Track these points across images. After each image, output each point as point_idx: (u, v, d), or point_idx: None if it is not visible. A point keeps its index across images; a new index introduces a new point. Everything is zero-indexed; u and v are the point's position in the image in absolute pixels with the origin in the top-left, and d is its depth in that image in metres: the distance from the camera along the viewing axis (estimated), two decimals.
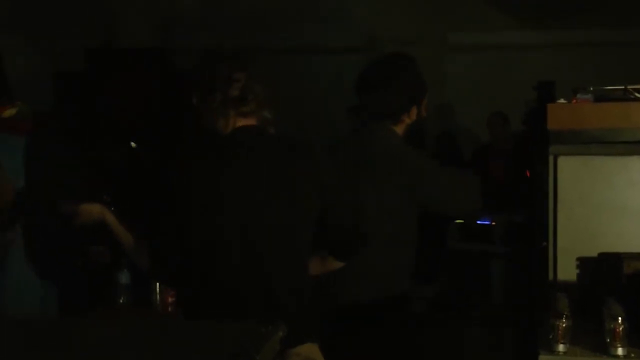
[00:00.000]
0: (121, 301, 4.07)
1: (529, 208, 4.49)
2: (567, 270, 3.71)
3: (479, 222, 6.02)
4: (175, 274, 3.20)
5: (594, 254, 3.69)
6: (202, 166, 3.08)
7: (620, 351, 3.02)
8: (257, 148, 3.12)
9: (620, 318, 3.03)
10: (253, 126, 3.14)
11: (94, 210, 3.18)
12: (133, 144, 4.40)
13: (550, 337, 3.09)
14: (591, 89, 3.81)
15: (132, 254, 3.20)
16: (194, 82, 3.18)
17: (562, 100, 3.85)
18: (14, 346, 2.49)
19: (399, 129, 4.08)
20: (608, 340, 3.05)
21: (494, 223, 5.96)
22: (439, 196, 4.03)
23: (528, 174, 4.80)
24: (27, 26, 10.38)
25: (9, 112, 4.28)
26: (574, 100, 3.80)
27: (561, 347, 3.06)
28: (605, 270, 3.58)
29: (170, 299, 3.95)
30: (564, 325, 3.07)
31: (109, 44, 9.93)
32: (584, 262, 3.69)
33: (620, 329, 3.02)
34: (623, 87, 3.78)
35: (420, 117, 4.17)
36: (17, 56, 10.05)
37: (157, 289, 3.96)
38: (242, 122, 3.12)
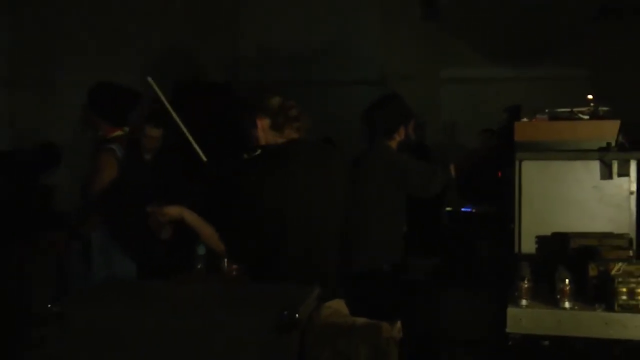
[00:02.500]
0: (198, 267, 4.05)
1: (500, 200, 4.48)
2: (528, 246, 3.69)
3: (463, 209, 6.07)
4: (246, 256, 3.20)
5: (549, 233, 3.67)
6: (269, 168, 3.06)
7: (567, 305, 3.01)
8: (308, 154, 3.12)
9: (567, 280, 3.03)
10: (301, 138, 3.15)
11: (174, 210, 3.17)
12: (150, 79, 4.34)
13: (516, 294, 3.08)
14: (546, 110, 3.83)
15: (207, 240, 3.19)
16: (261, 107, 3.15)
17: (525, 119, 3.85)
18: (129, 300, 2.51)
19: (393, 143, 4.33)
20: (558, 297, 3.05)
21: (474, 210, 6.00)
22: (417, 184, 4.19)
23: (500, 174, 4.78)
24: (131, 70, 10.42)
25: (117, 133, 4.33)
26: (534, 119, 3.81)
27: (524, 302, 3.06)
28: (556, 245, 3.56)
29: (234, 267, 3.89)
30: (526, 286, 3.08)
31: (195, 80, 9.95)
32: (541, 240, 3.67)
33: (567, 288, 3.02)
34: (570, 109, 3.78)
35: (409, 135, 4.39)
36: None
37: (225, 260, 3.90)
38: (293, 135, 3.13)
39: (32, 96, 8.50)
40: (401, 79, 6.64)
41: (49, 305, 2.43)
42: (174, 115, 3.96)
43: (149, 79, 4.06)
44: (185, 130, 3.88)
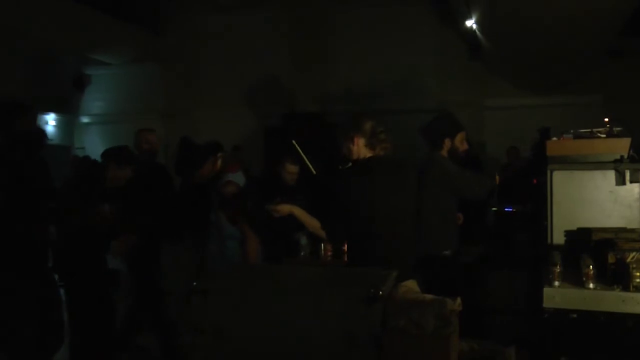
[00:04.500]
0: (302, 254, 4.05)
1: (535, 201, 4.39)
2: (558, 238, 3.62)
3: (506, 209, 5.93)
4: (341, 241, 3.25)
5: (574, 228, 3.60)
6: (356, 176, 3.09)
7: (591, 285, 2.96)
8: (387, 166, 3.13)
9: (590, 266, 2.98)
10: (385, 155, 3.16)
11: (286, 207, 3.23)
12: (294, 142, 4.41)
13: (550, 277, 3.03)
14: (571, 131, 3.75)
15: (311, 229, 3.22)
16: (359, 128, 3.16)
17: (554, 139, 3.78)
18: (256, 278, 2.56)
19: (443, 153, 4.17)
20: (584, 279, 2.99)
21: (514, 210, 5.85)
22: (463, 188, 4.07)
23: (535, 181, 4.68)
24: (247, 101, 10.63)
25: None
26: (562, 138, 3.74)
27: (556, 283, 3.01)
28: (581, 238, 3.48)
29: (329, 253, 3.85)
30: (557, 270, 3.02)
31: (293, 110, 10.06)
32: (568, 233, 3.59)
33: (591, 272, 2.97)
34: (590, 130, 3.71)
35: (455, 147, 4.22)
36: (240, 121, 10.41)
37: (322, 247, 3.86)
38: (379, 152, 3.14)
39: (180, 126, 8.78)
40: (453, 107, 6.54)
41: (194, 283, 2.52)
42: (301, 152, 4.06)
43: (294, 141, 4.24)
44: (303, 156, 3.97)
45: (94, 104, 12.21)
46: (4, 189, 3.51)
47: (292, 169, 4.65)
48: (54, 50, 10.99)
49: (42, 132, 4.22)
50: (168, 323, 4.59)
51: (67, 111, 11.96)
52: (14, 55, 9.89)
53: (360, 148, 3.15)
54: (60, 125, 11.88)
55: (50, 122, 11.66)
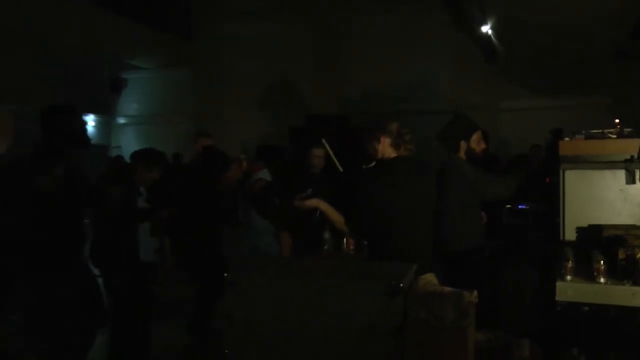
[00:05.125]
0: (325, 248, 4.00)
1: (549, 199, 4.32)
2: (570, 235, 3.58)
3: (519, 206, 5.83)
4: (363, 235, 3.24)
5: (586, 225, 3.56)
6: (379, 175, 3.08)
7: (602, 280, 2.94)
8: (408, 165, 3.11)
9: (601, 261, 2.96)
10: (408, 155, 3.14)
11: (312, 202, 3.22)
12: (324, 140, 4.41)
13: (562, 272, 3.02)
14: (583, 132, 3.71)
15: (335, 223, 3.22)
16: (385, 129, 3.15)
17: (567, 139, 3.73)
18: (281, 270, 2.57)
19: (461, 155, 4.06)
20: (595, 274, 2.97)
21: (528, 207, 5.75)
22: (484, 191, 3.96)
23: (548, 180, 4.61)
24: (273, 103, 10.67)
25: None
26: (574, 139, 3.70)
27: (569, 277, 2.99)
28: (592, 234, 3.44)
29: (351, 247, 3.86)
30: (570, 265, 3.01)
31: (315, 112, 10.04)
32: (580, 230, 3.55)
33: (602, 267, 2.95)
34: (601, 130, 3.67)
35: (472, 148, 4.10)
36: (265, 121, 10.46)
37: (345, 242, 3.86)
38: (403, 153, 3.13)
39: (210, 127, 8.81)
40: (469, 109, 6.48)
41: (225, 274, 2.54)
42: (329, 150, 4.05)
43: (323, 140, 4.22)
44: (331, 153, 3.98)
45: (130, 105, 12.41)
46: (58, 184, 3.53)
47: (318, 152, 4.74)
48: (94, 56, 11.19)
49: (86, 133, 4.25)
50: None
51: (105, 112, 12.18)
52: (57, 62, 10.07)
53: (385, 147, 3.13)
54: (98, 125, 12.12)
55: (89, 122, 11.89)
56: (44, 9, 8.34)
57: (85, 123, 3.82)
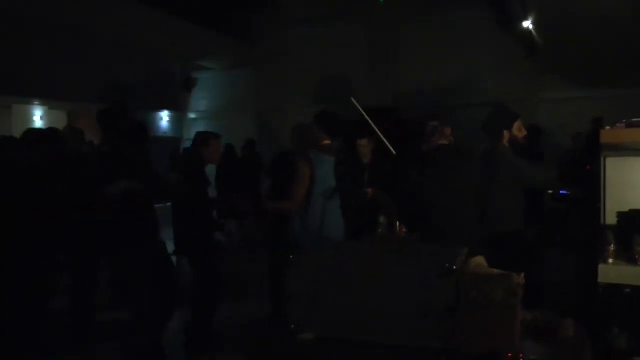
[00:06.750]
0: (379, 230, 3.86)
1: (590, 185, 4.15)
2: (611, 220, 3.43)
3: (561, 192, 5.63)
4: (414, 219, 3.22)
5: (626, 210, 3.40)
6: (428, 162, 3.07)
7: None
8: (452, 153, 3.10)
9: None
10: (450, 143, 3.12)
11: (373, 191, 3.22)
12: (352, 99, 4.33)
13: (605, 255, 2.94)
14: (624, 120, 3.51)
15: (387, 209, 3.23)
16: (431, 122, 3.13)
17: (608, 128, 3.56)
18: (343, 253, 2.58)
19: (505, 143, 3.89)
20: (636, 257, 2.89)
21: (569, 193, 5.55)
22: (527, 180, 3.78)
23: (589, 167, 4.43)
24: (329, 100, 10.67)
25: (327, 142, 4.21)
26: (615, 127, 3.51)
27: (610, 261, 2.92)
28: (632, 219, 3.30)
29: (403, 229, 3.73)
30: (611, 249, 2.92)
31: (369, 106, 9.96)
32: (620, 215, 3.39)
33: None
34: None
35: (514, 135, 3.93)
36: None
37: (397, 225, 3.73)
38: (443, 141, 3.11)
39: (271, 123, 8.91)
40: (511, 101, 6.31)
41: (291, 257, 2.57)
42: (373, 125, 4.00)
43: (352, 99, 4.12)
44: (384, 139, 3.94)
45: (200, 102, 12.71)
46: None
47: (363, 142, 4.79)
48: (167, 58, 11.54)
49: (144, 127, 4.22)
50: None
51: (178, 109, 12.52)
52: (135, 64, 10.38)
53: (432, 137, 3.12)
54: (172, 120, 12.46)
55: (164, 118, 12.23)
56: (124, 15, 8.61)
57: (140, 120, 3.77)
